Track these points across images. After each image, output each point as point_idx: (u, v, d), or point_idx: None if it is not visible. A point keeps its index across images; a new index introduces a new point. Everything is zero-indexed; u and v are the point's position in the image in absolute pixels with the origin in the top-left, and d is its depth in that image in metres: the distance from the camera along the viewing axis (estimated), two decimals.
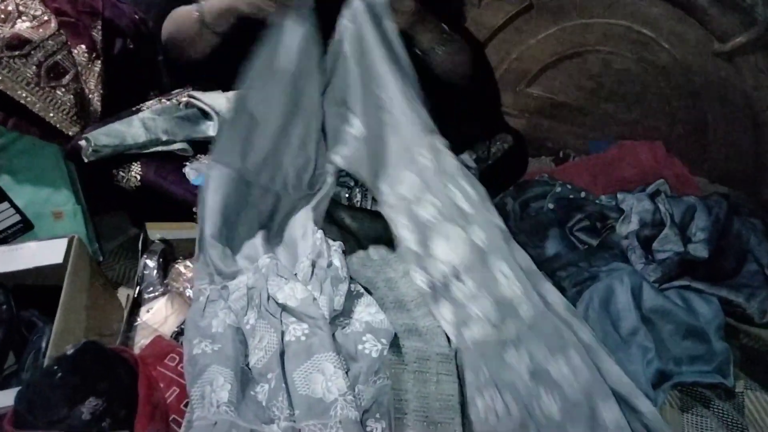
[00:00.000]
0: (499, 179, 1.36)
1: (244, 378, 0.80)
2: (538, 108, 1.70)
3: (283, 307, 0.87)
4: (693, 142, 1.52)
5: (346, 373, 0.79)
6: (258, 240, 1.00)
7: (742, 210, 1.25)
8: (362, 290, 0.95)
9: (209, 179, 1.00)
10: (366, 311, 0.89)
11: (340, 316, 0.89)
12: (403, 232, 1.01)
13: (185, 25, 1.15)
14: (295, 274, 0.93)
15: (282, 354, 0.81)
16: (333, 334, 0.84)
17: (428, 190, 0.99)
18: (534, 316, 0.86)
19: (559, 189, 1.35)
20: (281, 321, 0.85)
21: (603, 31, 1.47)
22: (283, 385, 0.77)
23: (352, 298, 0.92)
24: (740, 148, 1.44)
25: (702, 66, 1.39)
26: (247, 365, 0.83)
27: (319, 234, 0.98)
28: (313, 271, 0.92)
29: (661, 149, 1.48)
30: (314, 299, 0.86)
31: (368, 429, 0.75)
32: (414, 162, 1.01)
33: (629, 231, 1.17)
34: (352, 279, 0.95)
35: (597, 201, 1.32)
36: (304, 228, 1.01)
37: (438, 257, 0.96)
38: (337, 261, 0.95)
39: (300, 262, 0.95)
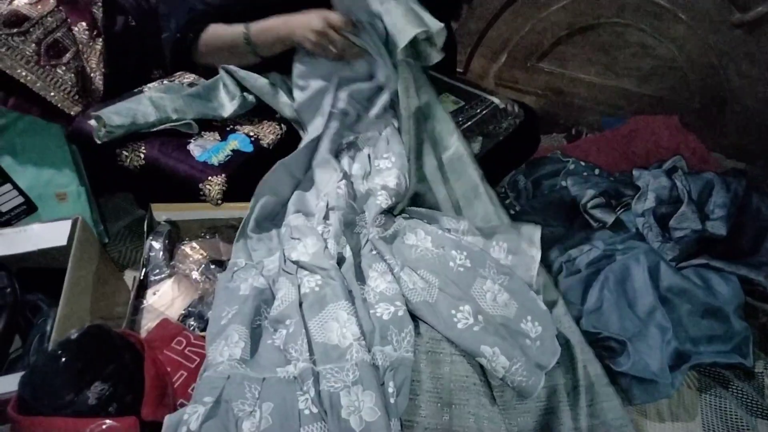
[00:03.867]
0: (510, 156, 1.33)
1: (256, 334, 0.82)
2: (549, 83, 1.67)
3: (297, 264, 0.90)
4: (710, 117, 1.48)
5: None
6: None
7: (760, 186, 1.22)
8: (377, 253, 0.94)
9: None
10: (381, 279, 0.89)
11: (357, 280, 0.89)
12: None
13: (228, 42, 1.12)
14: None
15: (300, 305, 0.84)
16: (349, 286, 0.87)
17: None
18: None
19: (572, 166, 1.33)
20: (296, 276, 0.89)
21: (617, 3, 1.43)
22: (303, 330, 0.80)
23: (369, 259, 0.93)
24: (759, 123, 1.41)
25: (720, 37, 1.35)
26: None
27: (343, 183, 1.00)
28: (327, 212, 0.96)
29: (676, 123, 1.45)
30: (325, 248, 0.90)
31: (390, 391, 0.75)
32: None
33: (645, 208, 1.14)
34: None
35: (611, 178, 1.29)
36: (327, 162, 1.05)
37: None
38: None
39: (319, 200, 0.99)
